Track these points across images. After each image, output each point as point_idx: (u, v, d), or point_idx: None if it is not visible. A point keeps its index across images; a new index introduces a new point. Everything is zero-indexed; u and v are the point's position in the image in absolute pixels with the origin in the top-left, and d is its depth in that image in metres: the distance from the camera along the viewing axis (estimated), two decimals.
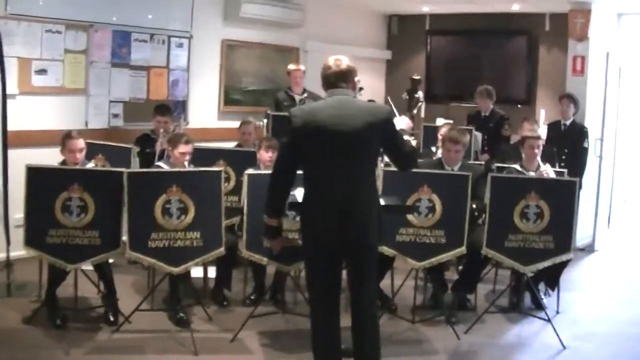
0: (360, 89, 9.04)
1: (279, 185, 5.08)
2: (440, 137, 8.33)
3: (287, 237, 5.97)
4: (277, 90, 10.94)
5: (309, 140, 4.89)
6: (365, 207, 4.96)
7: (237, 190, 7.46)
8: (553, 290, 7.54)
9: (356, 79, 5.19)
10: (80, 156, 6.71)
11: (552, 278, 7.39)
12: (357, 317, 5.07)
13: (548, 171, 7.36)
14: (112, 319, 6.50)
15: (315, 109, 4.96)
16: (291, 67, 9.93)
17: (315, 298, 5.14)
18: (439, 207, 6.61)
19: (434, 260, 6.68)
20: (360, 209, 4.92)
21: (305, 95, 9.76)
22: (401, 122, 5.50)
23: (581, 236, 9.72)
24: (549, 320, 6.77)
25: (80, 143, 6.71)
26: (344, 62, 5.06)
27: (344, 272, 5.17)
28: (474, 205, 6.87)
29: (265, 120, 9.29)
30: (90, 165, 6.83)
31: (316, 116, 4.86)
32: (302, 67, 9.81)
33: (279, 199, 5.12)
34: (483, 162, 8.92)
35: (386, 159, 6.78)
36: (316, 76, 9.97)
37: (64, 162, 6.75)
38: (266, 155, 7.23)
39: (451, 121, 9.76)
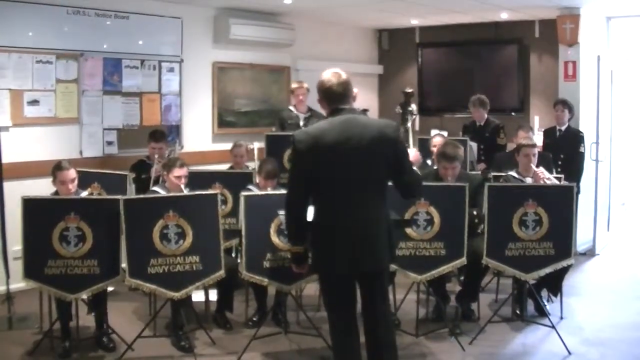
0: (365, 110, 9.00)
1: (295, 214, 4.93)
2: (433, 149, 8.33)
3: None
4: (270, 110, 11.02)
5: (316, 164, 4.76)
6: (376, 230, 4.84)
7: (234, 212, 7.48)
8: (556, 296, 7.53)
9: (355, 90, 5.08)
10: (73, 186, 6.67)
11: (554, 284, 7.37)
12: (374, 338, 4.98)
13: (544, 172, 7.36)
14: (110, 345, 6.51)
15: (320, 130, 4.81)
16: (294, 85, 9.71)
17: (332, 319, 5.04)
18: (437, 219, 6.60)
19: (435, 272, 6.66)
20: (372, 233, 4.82)
21: (310, 114, 9.61)
22: (410, 154, 5.37)
23: (581, 241, 9.72)
24: (553, 327, 6.75)
25: (72, 173, 6.67)
26: (342, 75, 4.93)
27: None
28: (474, 212, 6.87)
29: (256, 144, 9.29)
30: (85, 194, 6.80)
31: (322, 138, 4.74)
32: (305, 85, 9.56)
33: (298, 227, 4.97)
34: (480, 172, 8.91)
35: None
36: (311, 94, 10.02)
37: (56, 193, 6.73)
38: (264, 183, 7.24)
39: (444, 133, 9.73)
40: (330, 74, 4.94)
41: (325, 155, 4.74)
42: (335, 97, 4.88)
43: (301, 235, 5.00)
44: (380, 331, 4.97)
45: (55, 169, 6.68)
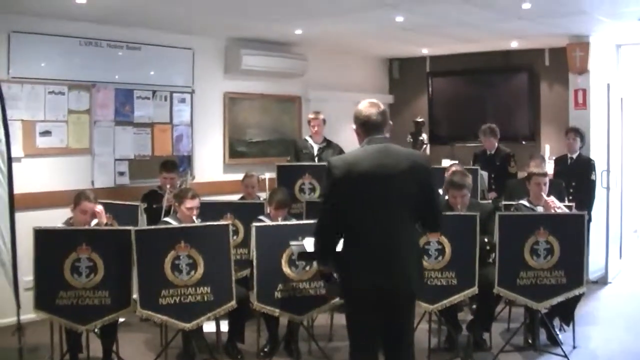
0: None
1: (325, 241, 4.91)
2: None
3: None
4: (281, 140, 11.08)
5: (350, 190, 4.73)
6: (407, 255, 4.81)
7: (245, 243, 7.48)
8: (568, 325, 7.49)
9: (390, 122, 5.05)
10: (91, 218, 6.71)
11: (566, 313, 7.33)
12: None
13: (554, 201, 7.35)
14: None
15: (356, 157, 4.81)
16: (311, 116, 9.87)
17: (355, 349, 4.92)
18: (448, 249, 6.60)
19: (447, 302, 6.65)
20: (402, 258, 4.78)
21: (325, 144, 9.74)
22: None
23: (593, 269, 9.69)
24: (566, 356, 6.73)
25: (94, 207, 6.72)
26: (380, 106, 4.94)
27: None
28: (485, 239, 6.86)
29: (267, 174, 9.36)
30: (94, 222, 6.80)
31: (358, 165, 4.73)
32: (321, 116, 9.75)
33: (328, 252, 4.94)
34: (490, 201, 8.90)
35: None
36: (328, 124, 10.04)
37: (69, 220, 6.76)
38: (275, 213, 7.26)
39: (457, 161, 9.75)
40: (369, 104, 4.93)
41: (359, 182, 4.72)
42: (373, 126, 4.88)
43: (330, 258, 4.96)
44: None
45: (81, 196, 6.72)
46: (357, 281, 4.79)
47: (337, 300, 6.56)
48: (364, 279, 4.74)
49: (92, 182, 8.87)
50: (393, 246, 4.75)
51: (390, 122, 5.02)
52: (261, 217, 7.37)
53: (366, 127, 4.89)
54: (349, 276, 4.85)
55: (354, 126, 4.95)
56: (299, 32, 9.85)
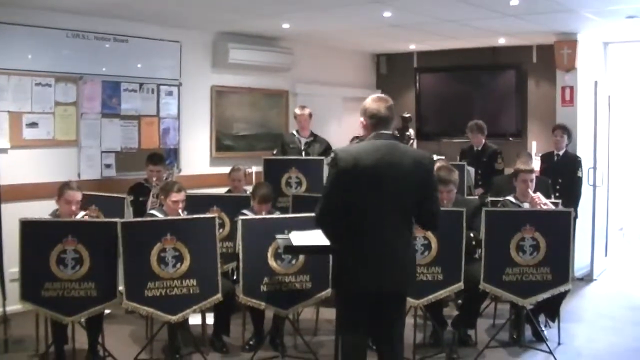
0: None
1: (326, 229, 4.95)
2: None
3: None
4: (268, 134, 11.08)
5: (354, 182, 4.73)
6: (404, 254, 4.85)
7: (232, 236, 7.46)
8: (553, 321, 7.50)
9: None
10: (76, 209, 6.68)
11: (552, 309, 7.34)
12: None
13: (540, 197, 7.36)
14: None
15: (363, 151, 4.80)
16: (297, 111, 9.90)
17: (346, 340, 4.95)
18: (434, 244, 6.60)
19: (432, 297, 6.65)
20: (400, 257, 4.82)
21: (312, 138, 9.76)
22: None
23: (579, 266, 9.71)
24: (551, 352, 6.74)
25: (78, 195, 6.69)
26: (389, 101, 4.98)
27: None
28: (471, 234, 6.86)
29: (254, 168, 9.37)
30: (81, 214, 6.77)
31: (363, 159, 4.73)
32: (306, 111, 9.78)
33: (334, 239, 4.98)
34: (477, 197, 8.91)
35: None
36: (314, 118, 10.04)
37: (56, 211, 6.74)
38: (258, 207, 7.24)
39: (443, 157, 9.75)
40: (377, 98, 4.98)
41: (363, 176, 4.72)
42: (382, 121, 4.91)
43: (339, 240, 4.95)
44: (396, 357, 4.96)
45: (65, 187, 6.70)
46: (354, 278, 4.81)
47: (323, 294, 6.57)
48: (361, 277, 4.77)
49: (79, 174, 8.83)
50: (391, 244, 4.79)
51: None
52: (245, 211, 7.33)
53: (374, 121, 4.91)
54: (345, 272, 4.87)
55: (361, 119, 4.97)
56: (286, 26, 9.84)
